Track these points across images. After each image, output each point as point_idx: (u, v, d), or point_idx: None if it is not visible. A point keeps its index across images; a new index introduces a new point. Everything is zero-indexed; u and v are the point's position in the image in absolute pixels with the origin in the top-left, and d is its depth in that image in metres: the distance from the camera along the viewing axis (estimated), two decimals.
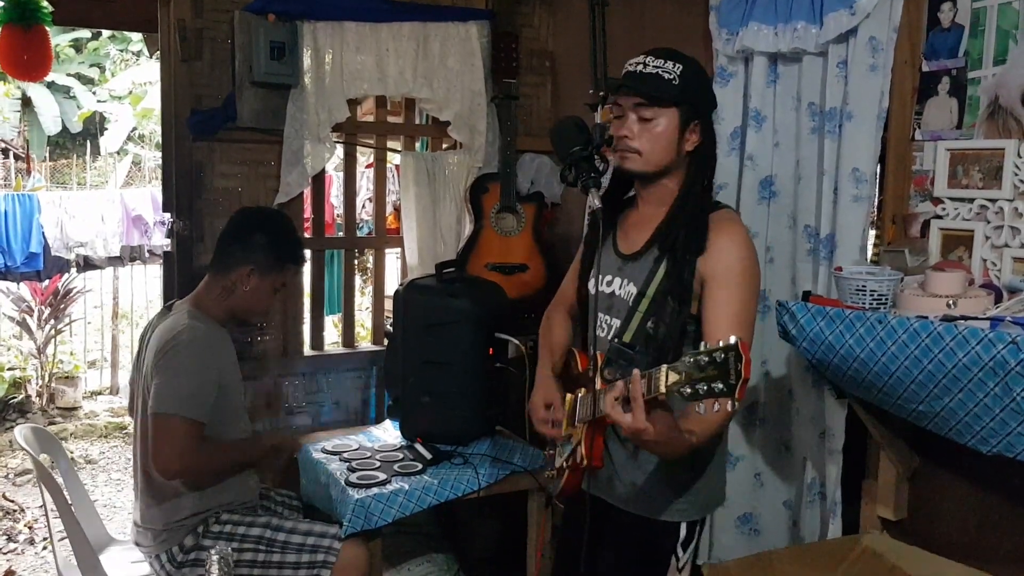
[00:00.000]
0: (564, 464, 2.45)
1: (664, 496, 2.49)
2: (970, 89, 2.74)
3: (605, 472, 2.51)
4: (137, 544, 3.24)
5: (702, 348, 1.81)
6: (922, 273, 2.66)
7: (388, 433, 3.93)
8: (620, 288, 2.49)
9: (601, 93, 3.50)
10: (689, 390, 1.80)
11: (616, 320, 2.47)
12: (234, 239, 3.26)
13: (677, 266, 2.36)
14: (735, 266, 2.33)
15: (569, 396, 2.49)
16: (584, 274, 2.64)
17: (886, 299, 2.60)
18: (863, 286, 2.61)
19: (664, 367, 1.88)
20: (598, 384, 2.32)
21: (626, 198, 2.62)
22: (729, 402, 1.75)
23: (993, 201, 2.66)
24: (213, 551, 2.03)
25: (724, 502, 2.68)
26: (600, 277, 2.54)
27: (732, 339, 1.75)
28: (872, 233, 3.12)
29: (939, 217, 2.82)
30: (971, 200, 2.72)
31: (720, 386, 1.74)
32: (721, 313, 2.29)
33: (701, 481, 2.52)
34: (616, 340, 2.42)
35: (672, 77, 2.34)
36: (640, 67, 2.38)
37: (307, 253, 3.64)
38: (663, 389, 1.87)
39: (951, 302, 2.46)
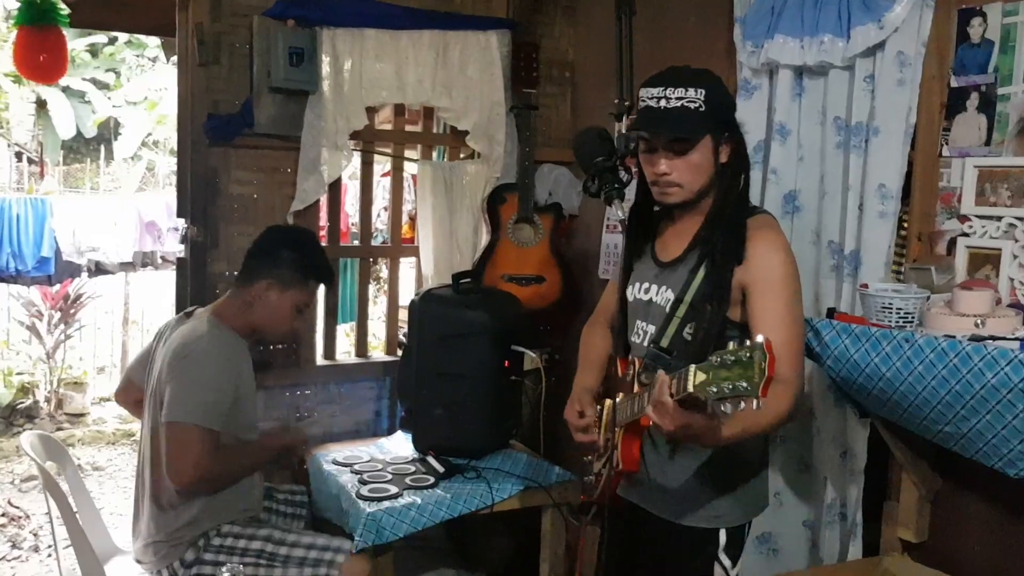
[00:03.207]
0: (601, 469, 2.46)
1: (700, 502, 2.48)
2: (999, 105, 2.69)
3: (642, 478, 2.49)
4: (138, 561, 3.21)
5: (729, 347, 1.78)
6: (948, 291, 2.62)
7: (400, 445, 3.89)
8: (657, 295, 2.48)
9: (627, 103, 3.47)
10: (715, 389, 1.78)
11: (652, 326, 2.47)
12: (258, 253, 3.27)
13: (716, 271, 2.35)
14: (776, 271, 2.32)
15: (608, 401, 2.49)
16: (623, 282, 2.61)
17: (912, 317, 2.56)
18: (889, 304, 2.58)
19: (692, 367, 1.86)
20: (635, 389, 2.31)
21: (658, 209, 2.60)
22: (754, 402, 1.71)
23: (1021, 219, 2.62)
24: (224, 569, 1.99)
25: (767, 506, 2.64)
26: (638, 285, 2.56)
27: (759, 338, 1.73)
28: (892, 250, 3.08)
29: (966, 235, 2.77)
30: (999, 218, 2.68)
31: (744, 384, 1.72)
32: (768, 318, 2.28)
33: (741, 486, 2.50)
34: (652, 345, 2.41)
35: (698, 105, 2.30)
36: (663, 102, 2.32)
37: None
38: (691, 388, 1.85)
39: (979, 321, 2.42)
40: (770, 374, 1.69)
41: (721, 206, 2.42)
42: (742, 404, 1.74)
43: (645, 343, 2.48)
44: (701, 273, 2.38)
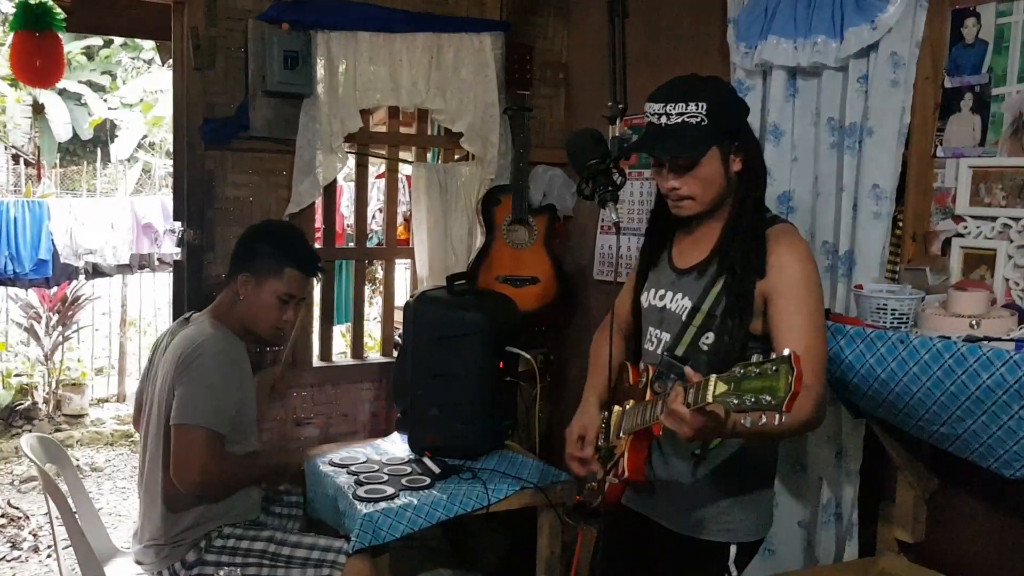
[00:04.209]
0: (605, 476, 2.43)
1: (712, 515, 2.45)
2: (993, 106, 2.70)
3: (648, 488, 2.48)
4: (139, 563, 3.21)
5: (753, 359, 1.76)
6: (943, 292, 2.62)
7: (396, 446, 3.89)
8: (672, 302, 2.46)
9: (620, 105, 3.47)
10: (736, 401, 1.75)
11: (667, 334, 2.45)
12: (238, 250, 3.28)
13: (736, 285, 2.32)
14: (799, 278, 2.29)
15: (617, 408, 2.46)
16: (638, 288, 2.61)
17: (907, 318, 2.56)
18: (884, 304, 2.57)
19: (713, 377, 1.83)
20: (647, 396, 2.30)
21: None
22: (776, 416, 1.69)
23: (1016, 220, 2.62)
24: (221, 571, 1.99)
25: (772, 523, 2.61)
26: (653, 291, 2.53)
27: (786, 352, 1.70)
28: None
29: (961, 235, 2.77)
30: (994, 218, 2.68)
31: (768, 398, 1.69)
32: (792, 326, 2.25)
33: (751, 499, 2.47)
34: (666, 353, 2.39)
35: (700, 119, 2.26)
36: (664, 118, 2.29)
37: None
38: (710, 399, 1.82)
39: (974, 322, 2.42)
40: (796, 389, 1.65)
41: (738, 215, 2.39)
42: (763, 418, 1.72)
43: (659, 351, 2.46)
44: (720, 283, 2.35)
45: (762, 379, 1.71)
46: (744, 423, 1.78)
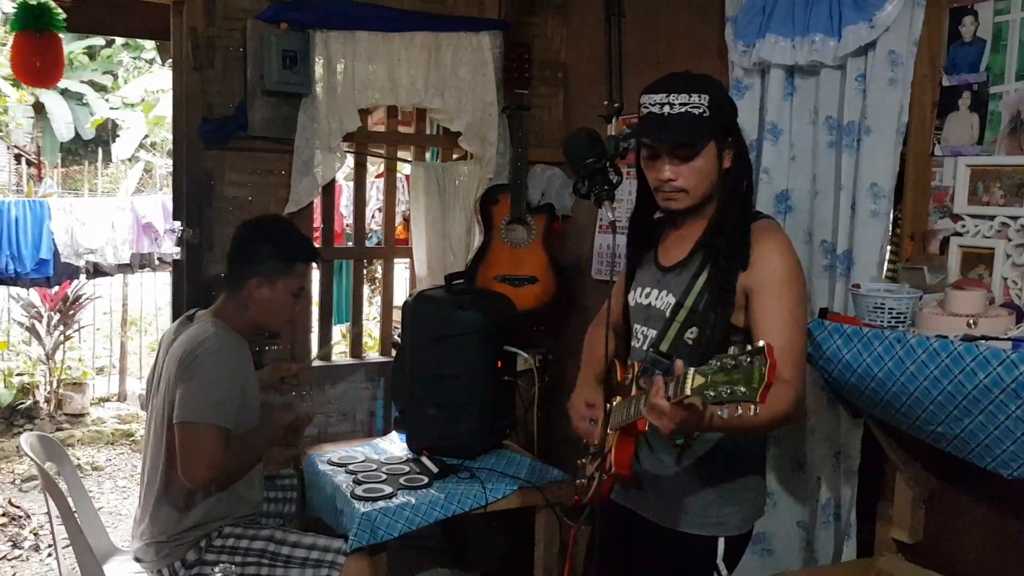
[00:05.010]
0: (594, 472, 2.44)
1: (698, 508, 2.45)
2: (991, 104, 2.69)
3: (636, 483, 2.48)
4: (138, 560, 3.21)
5: (729, 352, 1.77)
6: (941, 291, 2.62)
7: (394, 445, 3.89)
8: (657, 299, 2.48)
9: (616, 104, 3.46)
10: (712, 393, 1.75)
11: (652, 331, 2.46)
12: (238, 254, 3.27)
13: (720, 276, 2.34)
14: (779, 273, 2.30)
15: (606, 405, 2.46)
16: (626, 288, 2.62)
17: (905, 317, 2.56)
18: (881, 304, 2.57)
19: (691, 370, 1.84)
20: (633, 392, 2.30)
21: (658, 218, 2.60)
22: (752, 407, 1.69)
23: (1014, 219, 2.61)
24: (217, 568, 1.99)
25: (763, 512, 2.62)
26: (639, 289, 2.55)
27: (760, 343, 1.71)
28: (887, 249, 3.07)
29: (959, 234, 2.77)
30: (992, 217, 2.67)
31: (742, 390, 1.70)
32: (771, 320, 2.27)
33: (739, 490, 2.48)
34: (651, 350, 2.41)
35: (702, 111, 2.29)
36: (667, 108, 2.31)
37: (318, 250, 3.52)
38: (688, 391, 1.82)
39: (971, 321, 2.42)
40: (769, 380, 1.67)
41: (725, 210, 2.41)
42: (739, 409, 1.72)
43: (645, 347, 2.48)
44: (703, 278, 2.37)
45: (737, 371, 1.72)
46: (721, 415, 1.78)
